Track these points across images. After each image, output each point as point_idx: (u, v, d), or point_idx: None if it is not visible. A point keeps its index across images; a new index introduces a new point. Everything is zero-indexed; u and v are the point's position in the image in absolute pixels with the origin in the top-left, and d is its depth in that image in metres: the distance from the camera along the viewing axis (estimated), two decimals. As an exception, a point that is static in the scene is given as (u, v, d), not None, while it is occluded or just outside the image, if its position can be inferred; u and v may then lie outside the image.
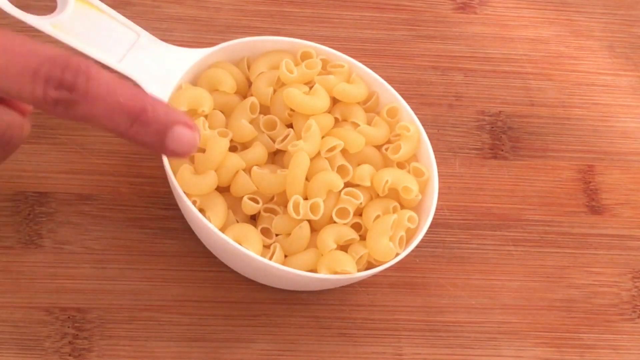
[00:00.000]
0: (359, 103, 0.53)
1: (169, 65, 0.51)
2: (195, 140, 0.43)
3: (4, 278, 0.49)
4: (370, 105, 0.53)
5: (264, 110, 0.52)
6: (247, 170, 0.49)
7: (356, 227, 0.50)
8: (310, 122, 0.49)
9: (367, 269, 0.49)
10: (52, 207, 0.52)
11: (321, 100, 0.51)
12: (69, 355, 0.48)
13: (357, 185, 0.50)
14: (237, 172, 0.49)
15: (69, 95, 0.40)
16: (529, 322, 0.53)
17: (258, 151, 0.50)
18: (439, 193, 0.51)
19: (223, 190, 0.49)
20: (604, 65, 0.63)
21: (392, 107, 0.53)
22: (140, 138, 0.42)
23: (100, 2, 0.50)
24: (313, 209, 0.48)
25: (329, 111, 0.52)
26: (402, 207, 0.50)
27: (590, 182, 0.58)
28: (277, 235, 0.49)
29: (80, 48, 0.49)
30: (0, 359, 0.48)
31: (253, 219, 0.50)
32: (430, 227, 0.50)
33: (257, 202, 0.49)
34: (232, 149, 0.50)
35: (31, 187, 0.52)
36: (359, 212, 0.50)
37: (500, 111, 0.60)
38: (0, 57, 0.40)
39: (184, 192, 0.48)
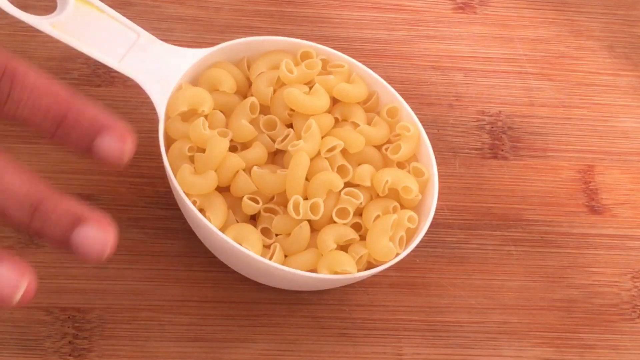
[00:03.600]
0: (359, 103, 0.53)
1: (169, 65, 0.51)
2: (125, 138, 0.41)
3: (4, 278, 0.49)
4: (370, 105, 0.53)
5: (264, 110, 0.52)
6: (247, 170, 0.49)
7: (356, 227, 0.50)
8: (310, 122, 0.49)
9: (367, 269, 0.49)
10: (52, 207, 0.52)
11: (321, 100, 0.51)
12: (69, 355, 0.48)
13: (357, 185, 0.50)
14: (237, 172, 0.49)
15: None
16: (529, 322, 0.53)
17: (258, 151, 0.50)
18: (439, 193, 0.51)
19: (223, 190, 0.49)
20: (604, 65, 0.63)
21: (392, 107, 0.53)
22: (67, 140, 0.41)
23: (100, 2, 0.50)
24: (313, 209, 0.48)
25: (329, 111, 0.52)
26: (402, 207, 0.50)
27: (590, 182, 0.58)
28: (277, 235, 0.49)
29: (80, 48, 0.49)
30: (0, 359, 0.48)
31: (253, 219, 0.50)
32: (430, 227, 0.50)
33: (257, 202, 0.49)
34: (232, 149, 0.50)
35: (31, 187, 0.52)
36: (359, 212, 0.50)
37: (500, 111, 0.60)
38: None
39: (184, 192, 0.48)
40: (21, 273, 0.38)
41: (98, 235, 0.39)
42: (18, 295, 0.38)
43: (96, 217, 0.39)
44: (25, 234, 0.51)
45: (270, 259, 0.48)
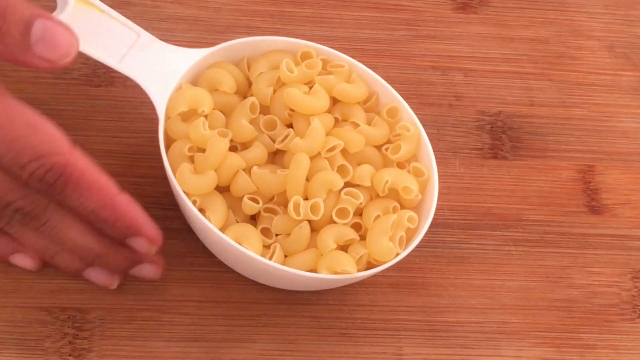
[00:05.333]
0: (359, 103, 0.53)
1: (169, 65, 0.51)
2: (150, 250, 0.47)
3: (4, 278, 0.49)
4: (370, 105, 0.53)
5: (264, 110, 0.52)
6: (247, 170, 0.49)
7: (356, 227, 0.50)
8: (313, 120, 0.49)
9: (367, 269, 0.49)
10: (52, 207, 0.52)
11: (321, 100, 0.51)
12: (69, 355, 0.48)
13: (357, 185, 0.50)
14: (237, 172, 0.49)
15: (47, 189, 0.44)
16: (529, 322, 0.53)
17: (258, 151, 0.50)
18: (439, 193, 0.51)
19: (223, 190, 0.49)
20: (604, 65, 0.63)
21: (392, 107, 0.53)
22: (105, 230, 0.47)
23: (100, 2, 0.50)
24: (313, 209, 0.48)
25: (329, 111, 0.52)
26: (402, 207, 0.50)
27: (590, 182, 0.58)
28: (277, 235, 0.49)
29: (80, 48, 0.49)
30: (0, 358, 0.48)
31: (253, 219, 0.50)
32: (430, 227, 0.50)
33: (257, 202, 0.49)
34: (232, 149, 0.50)
35: (31, 187, 0.52)
36: (359, 212, 0.50)
37: (500, 111, 0.60)
38: (1, 147, 0.43)
39: (184, 192, 0.48)
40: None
41: (151, 269, 0.49)
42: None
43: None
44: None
45: (270, 259, 0.48)
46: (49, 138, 0.44)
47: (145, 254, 0.48)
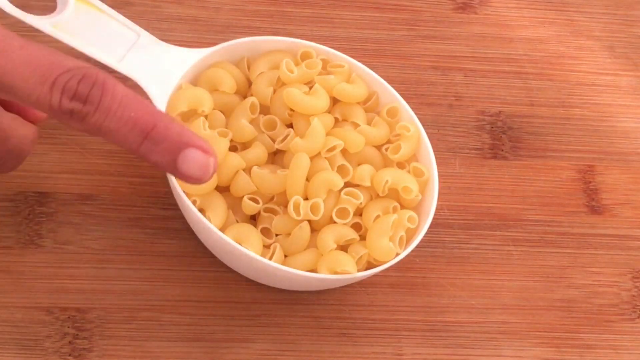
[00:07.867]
0: (359, 103, 0.53)
1: (169, 65, 0.51)
2: (209, 165, 0.42)
3: (4, 278, 0.49)
4: (370, 105, 0.53)
5: (264, 110, 0.52)
6: (247, 170, 0.49)
7: (356, 227, 0.50)
8: (313, 120, 0.49)
9: (367, 269, 0.49)
10: (52, 207, 0.52)
11: (321, 100, 0.51)
12: (69, 355, 0.48)
13: (357, 185, 0.50)
14: (237, 172, 0.49)
15: (82, 106, 0.40)
16: (529, 322, 0.53)
17: (258, 151, 0.50)
18: (439, 193, 0.51)
19: (223, 190, 0.49)
20: (604, 65, 0.63)
21: (392, 107, 0.53)
22: (151, 156, 0.41)
23: (100, 2, 0.50)
24: (313, 209, 0.48)
25: (329, 111, 0.52)
26: (402, 207, 0.50)
27: (590, 182, 0.58)
28: (277, 235, 0.49)
29: (80, 48, 0.49)
30: (0, 358, 0.48)
31: (253, 219, 0.50)
32: (430, 227, 0.50)
33: (257, 202, 0.49)
34: (232, 149, 0.50)
35: (31, 187, 0.52)
36: (359, 212, 0.50)
37: (500, 111, 0.60)
38: (25, 67, 0.40)
39: (184, 192, 0.48)
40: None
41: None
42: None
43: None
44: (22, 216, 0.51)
45: (270, 259, 0.48)
46: (70, 57, 0.41)
47: (200, 169, 0.42)
